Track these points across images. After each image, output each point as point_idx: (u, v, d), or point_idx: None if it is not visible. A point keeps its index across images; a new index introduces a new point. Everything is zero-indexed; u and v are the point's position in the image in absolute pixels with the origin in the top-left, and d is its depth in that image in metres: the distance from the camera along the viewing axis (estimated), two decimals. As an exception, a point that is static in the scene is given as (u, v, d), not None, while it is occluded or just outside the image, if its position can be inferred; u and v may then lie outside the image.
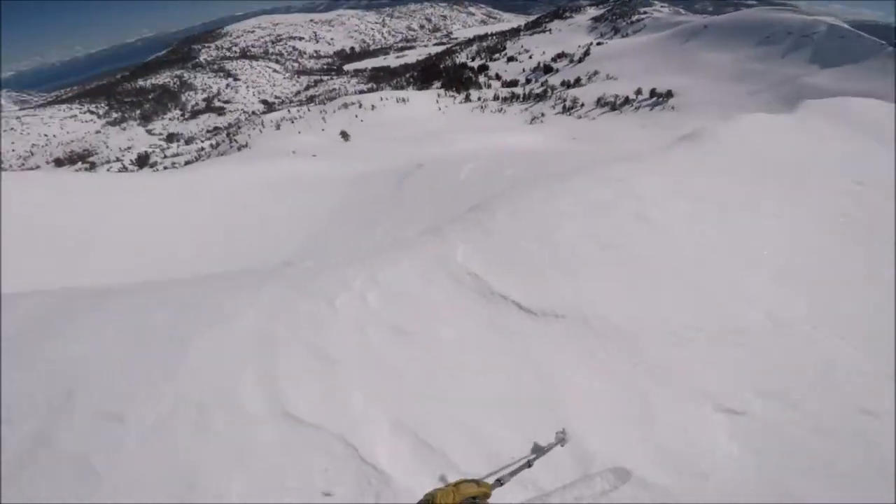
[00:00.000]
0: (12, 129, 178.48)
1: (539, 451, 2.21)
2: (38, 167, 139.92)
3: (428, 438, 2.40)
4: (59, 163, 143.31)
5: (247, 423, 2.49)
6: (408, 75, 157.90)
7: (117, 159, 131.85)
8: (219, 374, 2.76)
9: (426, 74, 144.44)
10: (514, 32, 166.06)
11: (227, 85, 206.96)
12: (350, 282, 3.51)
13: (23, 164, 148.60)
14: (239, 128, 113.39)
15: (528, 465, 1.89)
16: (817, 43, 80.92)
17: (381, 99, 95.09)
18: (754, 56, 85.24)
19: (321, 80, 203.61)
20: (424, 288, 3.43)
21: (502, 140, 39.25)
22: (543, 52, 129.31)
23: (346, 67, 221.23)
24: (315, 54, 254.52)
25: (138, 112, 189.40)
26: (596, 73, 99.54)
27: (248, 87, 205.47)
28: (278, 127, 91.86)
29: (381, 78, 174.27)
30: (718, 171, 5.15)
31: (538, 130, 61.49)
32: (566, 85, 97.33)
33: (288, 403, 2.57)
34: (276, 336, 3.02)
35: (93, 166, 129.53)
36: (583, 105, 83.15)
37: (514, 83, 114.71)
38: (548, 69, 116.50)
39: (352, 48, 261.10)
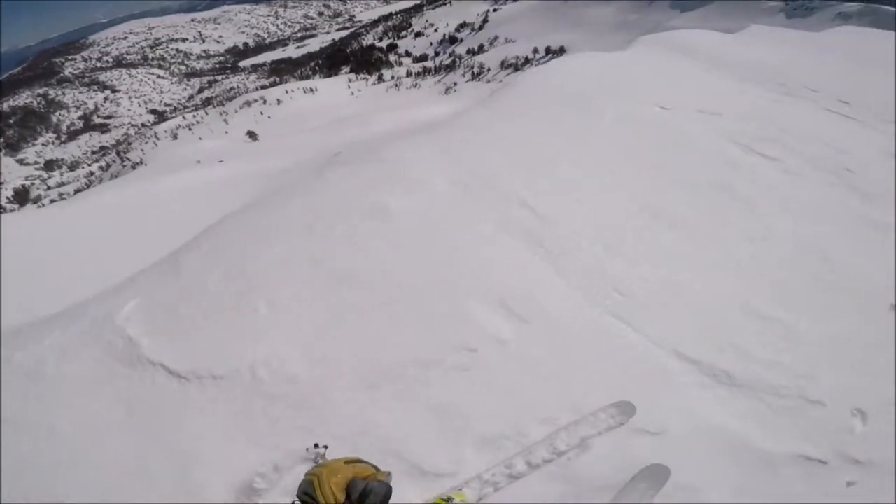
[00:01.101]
0: None
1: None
2: None
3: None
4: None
5: None
6: (312, 64, 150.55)
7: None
8: None
9: (333, 61, 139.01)
10: (418, 8, 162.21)
11: (106, 98, 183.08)
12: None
13: None
14: (129, 143, 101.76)
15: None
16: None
17: (287, 92, 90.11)
18: (629, 7, 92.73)
19: (215, 81, 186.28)
20: (60, 368, 2.85)
21: (417, 114, 39.00)
22: (447, 24, 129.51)
23: (242, 64, 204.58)
24: (204, 54, 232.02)
25: (1, 140, 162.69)
26: (496, 38, 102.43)
27: (130, 97, 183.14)
28: (175, 136, 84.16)
29: (284, 70, 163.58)
30: (502, 130, 4.73)
31: (453, 100, 61.95)
32: (472, 52, 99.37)
33: None
34: None
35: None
36: (489, 69, 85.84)
37: (424, 57, 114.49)
38: (453, 40, 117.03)
39: (245, 44, 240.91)
